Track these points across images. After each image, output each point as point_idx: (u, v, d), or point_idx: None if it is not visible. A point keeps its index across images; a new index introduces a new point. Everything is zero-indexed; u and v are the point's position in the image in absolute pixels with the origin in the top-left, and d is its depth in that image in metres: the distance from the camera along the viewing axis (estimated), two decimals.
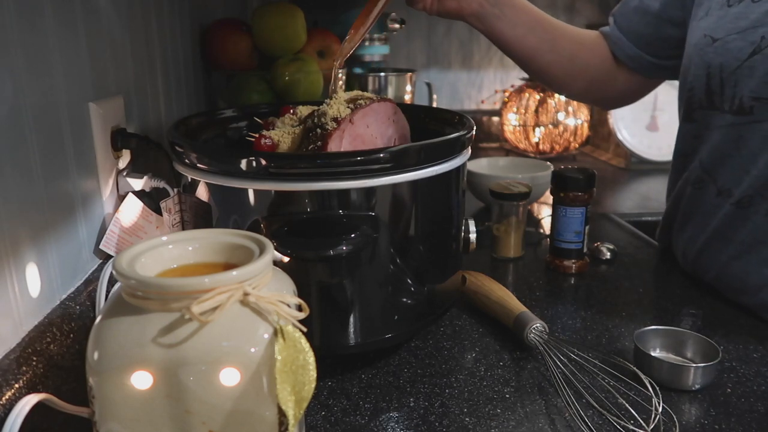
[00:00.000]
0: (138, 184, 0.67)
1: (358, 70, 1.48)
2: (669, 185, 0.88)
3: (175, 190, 0.62)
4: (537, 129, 1.63)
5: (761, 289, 0.71)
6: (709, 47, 0.71)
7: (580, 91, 0.93)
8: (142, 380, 0.35)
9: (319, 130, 0.57)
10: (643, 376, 0.55)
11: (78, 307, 0.56)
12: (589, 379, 0.58)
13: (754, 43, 0.66)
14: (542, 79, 0.92)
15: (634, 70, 0.88)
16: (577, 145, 1.66)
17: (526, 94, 1.64)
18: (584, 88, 0.92)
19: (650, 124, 1.58)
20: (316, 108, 0.63)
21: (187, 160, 0.56)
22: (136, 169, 0.70)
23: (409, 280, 0.58)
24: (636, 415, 0.52)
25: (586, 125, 1.64)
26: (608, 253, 0.89)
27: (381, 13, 0.72)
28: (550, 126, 1.62)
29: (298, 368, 0.36)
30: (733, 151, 0.71)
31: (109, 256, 0.63)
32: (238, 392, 0.35)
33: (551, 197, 0.85)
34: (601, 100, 0.97)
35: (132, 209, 0.66)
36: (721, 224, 0.74)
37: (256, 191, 0.53)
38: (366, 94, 0.64)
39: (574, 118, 1.61)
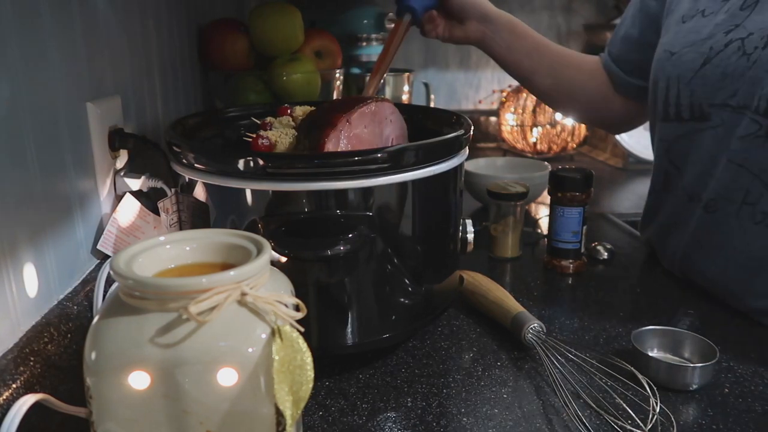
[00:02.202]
0: (135, 184, 0.67)
1: (355, 71, 1.47)
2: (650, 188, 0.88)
3: (173, 190, 0.62)
4: (534, 129, 1.63)
5: (745, 295, 0.71)
6: (667, 61, 0.75)
7: (578, 113, 1.00)
8: (139, 380, 0.34)
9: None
10: (640, 376, 0.55)
11: (75, 307, 0.56)
12: (587, 379, 0.58)
13: (704, 54, 0.70)
14: (542, 99, 0.98)
15: (626, 96, 0.91)
16: (574, 145, 1.66)
17: (524, 95, 1.64)
18: (582, 110, 0.97)
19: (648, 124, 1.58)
20: (313, 108, 0.63)
21: (184, 160, 0.56)
22: (133, 169, 0.70)
23: (406, 280, 0.58)
24: (633, 415, 0.52)
25: (583, 125, 1.64)
26: (606, 253, 0.89)
27: (401, 43, 0.82)
28: (548, 126, 1.62)
29: (296, 368, 0.36)
30: (695, 158, 0.73)
31: (107, 256, 0.63)
32: (236, 392, 0.35)
33: (549, 197, 0.85)
34: (600, 122, 1.02)
35: (129, 209, 0.65)
36: (697, 231, 0.75)
37: (253, 191, 0.53)
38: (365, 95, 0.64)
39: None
